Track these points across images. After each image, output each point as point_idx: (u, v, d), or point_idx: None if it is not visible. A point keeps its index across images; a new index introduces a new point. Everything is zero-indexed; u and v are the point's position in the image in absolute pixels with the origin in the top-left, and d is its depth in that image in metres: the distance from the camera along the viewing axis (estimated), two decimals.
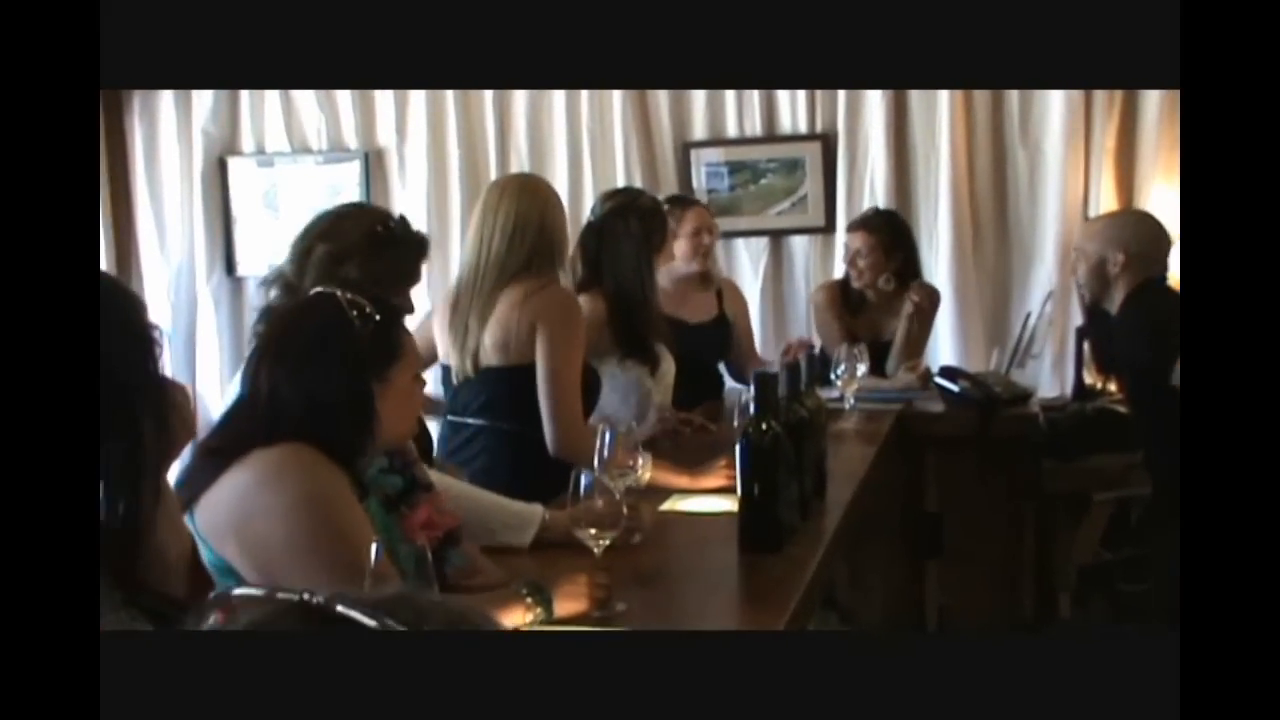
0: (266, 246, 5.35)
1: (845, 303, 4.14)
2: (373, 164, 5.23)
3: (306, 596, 0.90)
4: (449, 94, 5.05)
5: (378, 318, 1.82)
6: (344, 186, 5.22)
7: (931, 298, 4.19)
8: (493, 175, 5.13)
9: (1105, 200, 4.69)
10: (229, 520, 1.76)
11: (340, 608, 0.90)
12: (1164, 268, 3.24)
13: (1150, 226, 3.29)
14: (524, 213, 2.85)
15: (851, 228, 4.16)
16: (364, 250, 2.31)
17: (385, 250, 2.34)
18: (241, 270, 5.36)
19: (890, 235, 4.14)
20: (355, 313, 1.80)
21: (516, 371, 2.84)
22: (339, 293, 1.85)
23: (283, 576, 1.71)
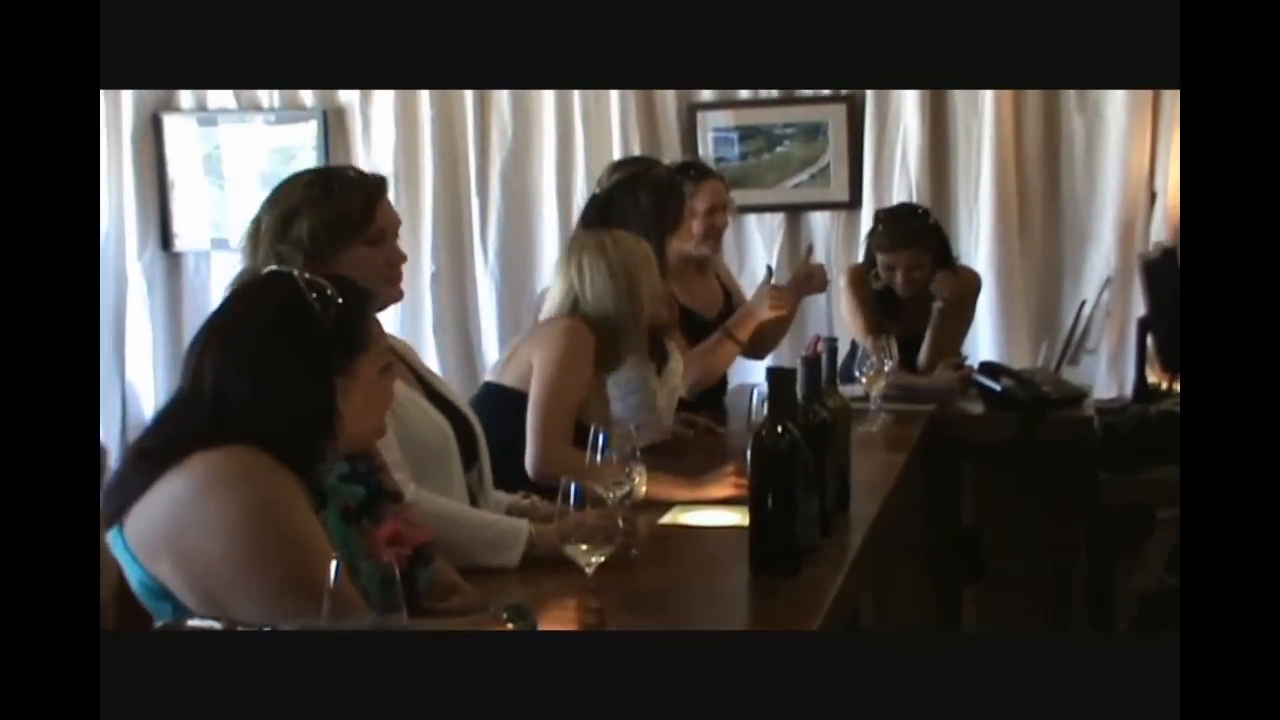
0: (208, 217, 5.35)
1: (880, 296, 4.13)
2: (332, 124, 5.23)
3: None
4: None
5: (341, 301, 1.82)
6: (298, 149, 5.22)
7: (968, 284, 4.18)
8: (470, 139, 5.14)
9: (1175, 174, 4.69)
10: (164, 534, 1.76)
11: None
12: None
13: None
14: (560, 285, 2.96)
15: (895, 246, 4.06)
16: (308, 201, 2.33)
17: (330, 194, 2.35)
18: (179, 244, 5.37)
19: (940, 239, 4.14)
20: (315, 295, 1.80)
21: (497, 389, 2.90)
22: (296, 272, 1.85)
23: (226, 600, 1.70)
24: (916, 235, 4.07)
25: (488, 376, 3.03)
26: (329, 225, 2.32)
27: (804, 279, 3.82)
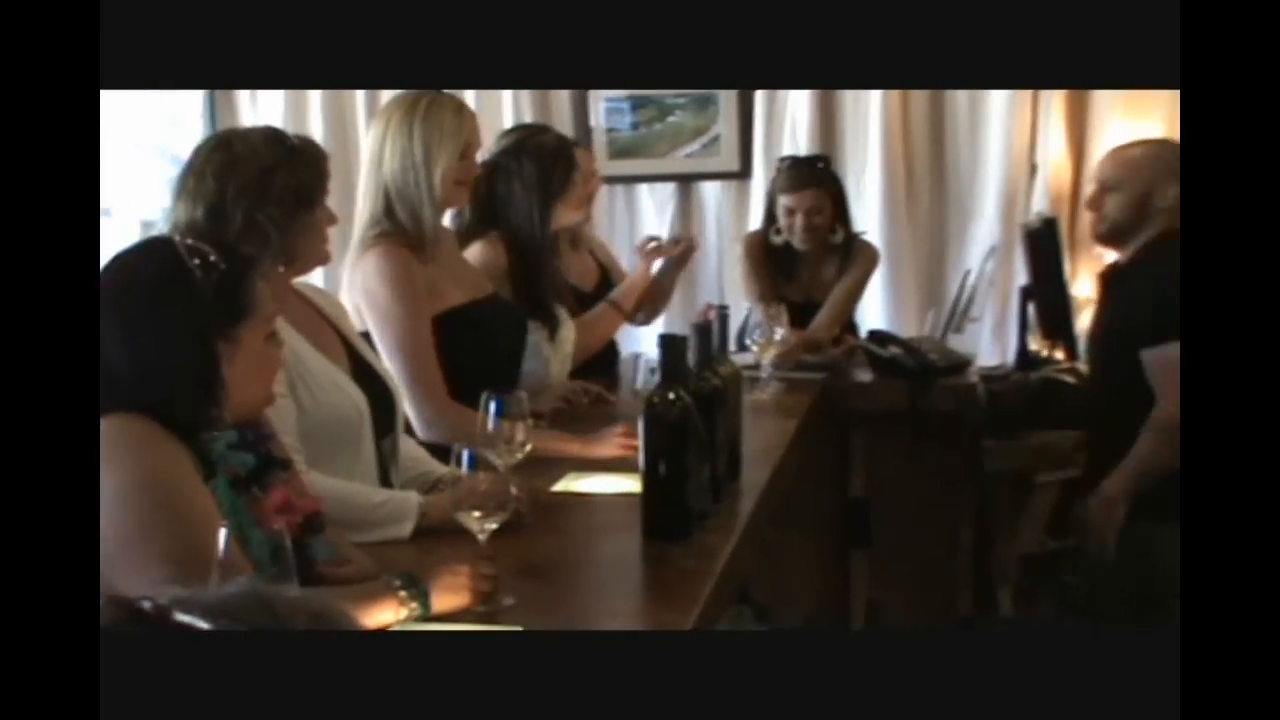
0: None
1: (774, 259, 4.16)
2: (219, 93, 5.12)
3: (144, 605, 0.91)
4: None
5: (224, 267, 1.78)
6: (184, 118, 5.11)
7: (873, 263, 4.23)
8: (360, 108, 5.07)
9: (1055, 144, 4.78)
10: None
11: (179, 616, 0.90)
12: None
13: None
14: (368, 151, 2.85)
15: (797, 186, 4.08)
16: (281, 161, 2.28)
17: (297, 153, 2.31)
18: None
19: (840, 189, 4.18)
20: (197, 261, 1.77)
21: (368, 338, 2.83)
22: (177, 238, 1.82)
23: (113, 570, 1.67)
24: (818, 178, 4.10)
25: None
26: (309, 183, 2.30)
27: (671, 246, 3.81)
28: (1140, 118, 4.72)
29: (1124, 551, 3.22)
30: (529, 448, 2.21)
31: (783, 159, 4.35)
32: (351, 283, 2.81)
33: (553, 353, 3.26)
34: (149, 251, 1.83)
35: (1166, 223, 3.10)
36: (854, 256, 4.14)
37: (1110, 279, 3.28)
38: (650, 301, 3.80)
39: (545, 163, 3.29)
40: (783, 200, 4.09)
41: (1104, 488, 3.15)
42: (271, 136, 2.34)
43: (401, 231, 2.81)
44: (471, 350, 2.81)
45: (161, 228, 2.31)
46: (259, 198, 2.24)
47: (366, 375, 2.46)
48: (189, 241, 1.80)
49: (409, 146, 2.80)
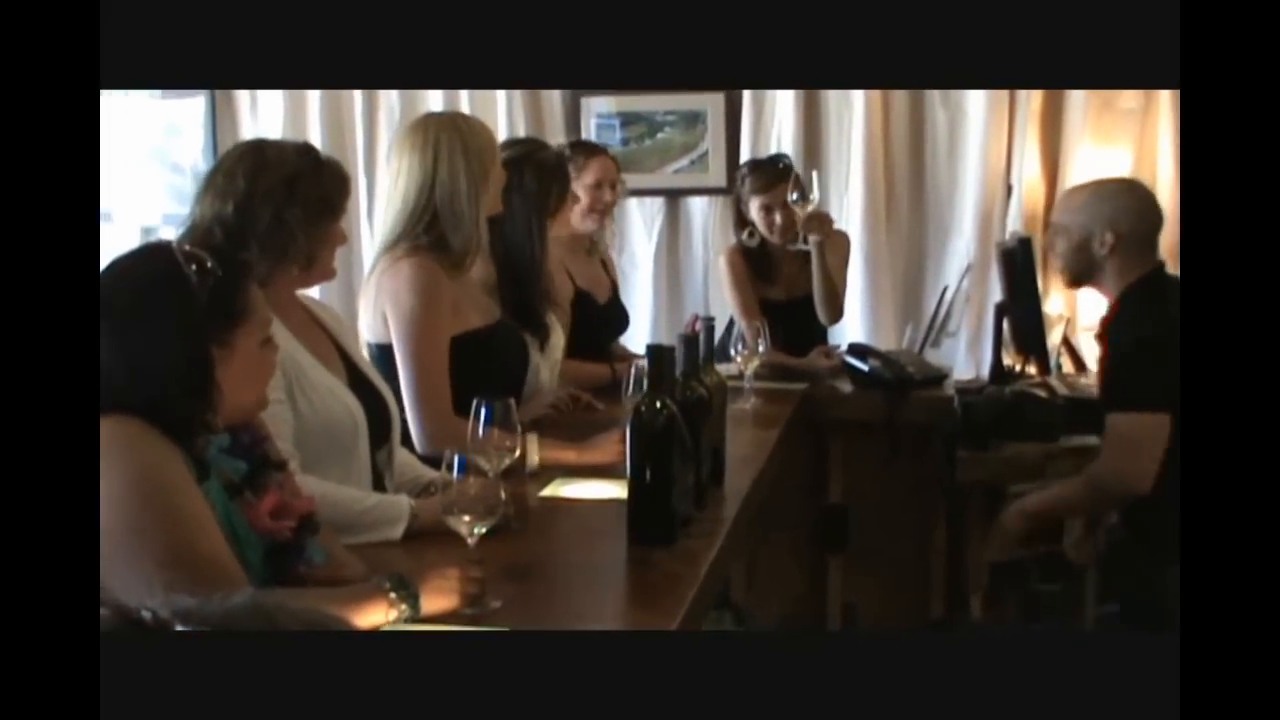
0: None
1: (753, 264, 4.14)
2: (219, 101, 5.09)
3: (144, 615, 0.89)
4: None
5: (219, 273, 1.76)
6: (185, 126, 5.07)
7: (839, 237, 4.19)
8: (358, 118, 5.04)
9: (1029, 165, 4.77)
10: None
11: (180, 628, 0.89)
12: (1155, 249, 3.20)
13: (1140, 199, 3.20)
14: (413, 168, 2.81)
15: (768, 185, 4.04)
16: (309, 169, 2.28)
17: (323, 164, 2.32)
18: None
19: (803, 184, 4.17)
20: (194, 266, 1.74)
21: (384, 349, 2.81)
22: (174, 244, 1.79)
23: (108, 575, 1.63)
24: (783, 174, 4.08)
25: (365, 336, 2.87)
26: (334, 192, 2.31)
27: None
28: (1110, 143, 4.71)
29: (1114, 570, 3.20)
30: (536, 459, 2.17)
31: (743, 165, 4.33)
32: (380, 289, 2.79)
33: (542, 361, 3.23)
34: (146, 257, 1.81)
35: (1124, 264, 3.06)
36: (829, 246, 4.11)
37: (1106, 328, 3.25)
38: None
39: (545, 179, 3.26)
40: (756, 201, 4.07)
41: (1023, 502, 3.21)
42: (303, 148, 2.35)
43: (437, 248, 2.78)
44: (480, 373, 2.77)
45: (184, 224, 2.30)
46: (286, 199, 2.24)
47: (363, 386, 2.43)
48: (186, 247, 1.78)
49: (467, 164, 2.78)
